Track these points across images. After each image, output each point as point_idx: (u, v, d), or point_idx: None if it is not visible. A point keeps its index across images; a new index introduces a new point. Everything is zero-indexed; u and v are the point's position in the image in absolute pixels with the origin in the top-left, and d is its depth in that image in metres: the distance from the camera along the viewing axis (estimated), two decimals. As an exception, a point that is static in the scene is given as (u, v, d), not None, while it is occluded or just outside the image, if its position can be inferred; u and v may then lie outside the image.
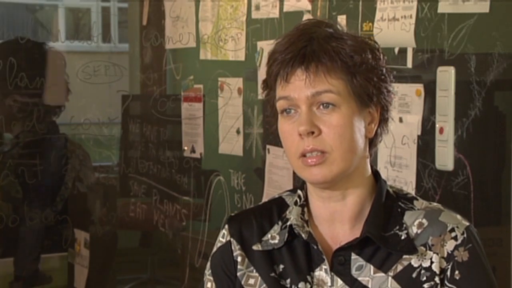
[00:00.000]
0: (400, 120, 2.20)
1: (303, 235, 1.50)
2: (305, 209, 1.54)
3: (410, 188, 2.17)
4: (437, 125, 2.10)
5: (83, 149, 3.69)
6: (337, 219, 1.52)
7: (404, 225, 1.50)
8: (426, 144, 2.15)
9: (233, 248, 1.56)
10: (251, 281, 1.53)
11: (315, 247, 1.50)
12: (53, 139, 3.61)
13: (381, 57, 1.50)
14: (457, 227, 1.49)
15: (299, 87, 1.45)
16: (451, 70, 2.07)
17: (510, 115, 2.02)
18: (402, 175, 2.21)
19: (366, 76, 1.47)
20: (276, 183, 2.74)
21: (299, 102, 1.46)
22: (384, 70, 1.49)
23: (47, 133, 3.59)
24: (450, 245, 1.48)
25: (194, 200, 3.29)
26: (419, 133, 2.15)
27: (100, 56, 3.74)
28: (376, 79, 1.48)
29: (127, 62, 3.81)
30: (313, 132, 1.44)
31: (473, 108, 2.03)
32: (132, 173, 3.65)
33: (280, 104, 1.49)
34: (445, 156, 2.08)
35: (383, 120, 1.52)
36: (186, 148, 3.32)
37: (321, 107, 1.45)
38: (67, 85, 3.63)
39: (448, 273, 1.47)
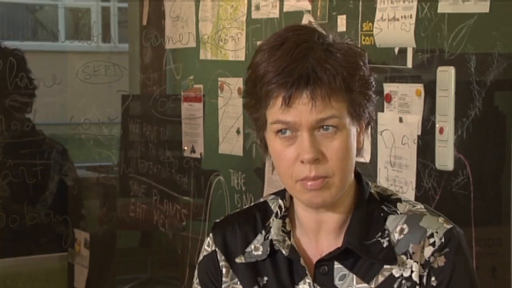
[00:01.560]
0: (400, 120, 2.20)
1: (283, 252, 1.48)
2: (287, 220, 1.52)
3: (410, 188, 2.17)
4: (437, 125, 2.10)
5: (61, 144, 3.69)
6: (323, 229, 1.50)
7: (386, 232, 1.48)
8: (426, 144, 2.14)
9: (218, 258, 1.55)
10: None
11: (297, 261, 1.48)
12: (49, 139, 3.62)
13: (367, 63, 1.46)
14: (437, 232, 1.46)
15: (301, 112, 1.39)
16: (451, 70, 2.07)
17: (510, 115, 2.01)
18: (402, 175, 2.21)
19: (363, 93, 1.44)
20: (276, 183, 2.73)
21: (300, 127, 1.40)
22: (371, 79, 1.46)
23: (23, 133, 3.59)
24: (427, 252, 1.45)
25: (194, 200, 3.29)
26: (419, 133, 2.15)
27: (100, 56, 3.74)
28: (370, 93, 1.46)
29: (127, 62, 3.81)
30: (317, 159, 1.40)
31: (473, 108, 2.02)
32: (132, 173, 3.64)
33: (275, 127, 1.42)
34: (445, 156, 2.08)
35: (367, 125, 1.50)
36: (186, 148, 3.32)
37: (322, 129, 1.41)
38: (31, 80, 3.60)
39: (425, 280, 1.45)
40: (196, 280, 1.59)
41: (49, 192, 3.64)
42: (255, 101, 1.46)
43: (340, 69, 1.40)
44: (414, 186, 2.17)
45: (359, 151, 1.49)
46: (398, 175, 2.22)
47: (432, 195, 2.11)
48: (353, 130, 1.44)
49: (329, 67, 1.39)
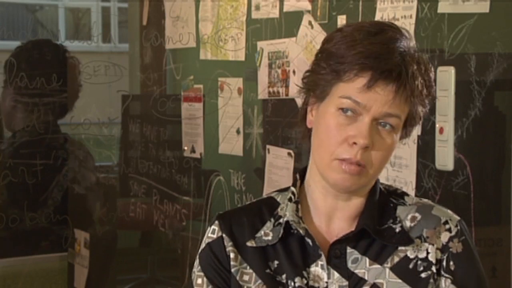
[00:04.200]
0: (400, 120, 2.20)
1: (300, 231, 1.51)
2: (299, 206, 1.55)
3: (410, 188, 2.17)
4: (437, 125, 2.10)
5: (85, 149, 3.68)
6: (336, 215, 1.54)
7: (398, 219, 1.53)
8: (426, 144, 2.14)
9: (225, 243, 1.55)
10: (246, 277, 1.54)
11: (311, 243, 1.51)
12: (50, 139, 3.61)
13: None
14: (450, 219, 1.53)
15: (377, 100, 1.44)
16: (451, 70, 2.07)
17: (510, 115, 2.01)
18: (402, 175, 2.21)
19: (425, 107, 1.51)
20: (276, 183, 2.74)
21: (366, 113, 1.44)
22: (429, 102, 1.52)
23: (45, 133, 3.59)
24: (444, 237, 1.52)
25: (194, 200, 3.29)
26: (419, 133, 2.15)
27: (100, 56, 3.74)
28: (425, 111, 1.52)
29: (127, 62, 3.81)
30: (367, 146, 1.45)
31: (473, 108, 2.02)
32: (132, 173, 3.64)
33: (343, 102, 1.45)
34: (445, 156, 2.08)
35: (403, 136, 1.55)
36: (186, 148, 3.32)
37: (380, 124, 1.46)
38: (78, 89, 3.64)
39: (444, 263, 1.51)
40: (197, 268, 1.57)
41: (53, 200, 3.64)
42: (329, 71, 1.47)
43: (423, 81, 1.47)
44: (414, 186, 2.17)
45: None
46: (398, 175, 2.22)
47: (432, 195, 2.11)
48: (399, 137, 1.50)
49: (418, 75, 1.46)
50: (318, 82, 1.49)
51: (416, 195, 2.13)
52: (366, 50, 1.44)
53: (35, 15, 4.37)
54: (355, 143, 1.44)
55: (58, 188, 3.64)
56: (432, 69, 1.52)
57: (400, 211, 1.54)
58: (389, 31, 1.48)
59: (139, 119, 3.66)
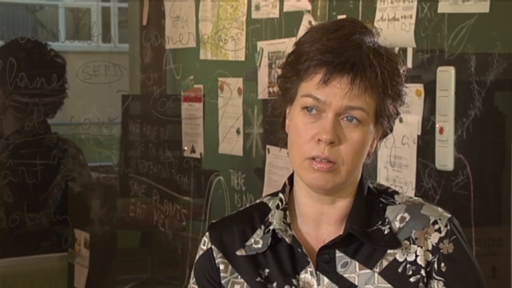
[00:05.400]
0: (400, 120, 2.20)
1: (286, 239, 1.51)
2: (287, 212, 1.54)
3: (410, 188, 2.17)
4: (437, 125, 2.10)
5: (75, 145, 3.68)
6: (323, 220, 1.53)
7: (387, 220, 1.51)
8: (426, 144, 2.14)
9: (214, 255, 1.56)
10: (237, 287, 1.54)
11: (299, 250, 1.50)
12: (44, 139, 3.61)
13: (403, 75, 1.51)
14: (440, 219, 1.50)
15: (336, 94, 1.43)
16: (451, 70, 2.07)
17: (510, 115, 2.02)
18: (402, 175, 2.21)
19: (394, 101, 1.48)
20: (276, 183, 2.73)
21: (328, 108, 1.44)
22: (404, 92, 1.50)
23: (45, 133, 3.59)
24: (434, 238, 1.49)
25: (194, 200, 3.29)
26: (419, 133, 2.15)
27: (100, 56, 3.74)
28: (400, 103, 1.50)
29: (127, 62, 3.81)
30: (333, 142, 1.44)
31: (473, 108, 2.03)
32: (132, 173, 3.64)
33: (305, 101, 1.46)
34: (445, 156, 2.08)
35: (383, 136, 1.53)
36: (186, 148, 3.32)
37: (346, 119, 1.45)
38: (65, 88, 3.64)
39: (435, 266, 1.49)
40: (192, 280, 1.60)
41: (53, 200, 3.64)
42: (293, 73, 1.48)
43: (383, 70, 1.45)
44: (414, 186, 2.17)
45: (369, 155, 1.52)
46: (398, 175, 2.22)
47: (432, 195, 2.11)
48: (372, 131, 1.48)
49: (375, 64, 1.44)
50: (285, 85, 1.51)
51: (416, 195, 2.13)
52: (322, 46, 1.44)
53: (35, 15, 4.37)
54: (320, 139, 1.44)
55: (58, 188, 3.64)
56: (401, 60, 1.50)
57: (389, 211, 1.52)
58: (348, 26, 1.47)
59: (139, 119, 3.66)
